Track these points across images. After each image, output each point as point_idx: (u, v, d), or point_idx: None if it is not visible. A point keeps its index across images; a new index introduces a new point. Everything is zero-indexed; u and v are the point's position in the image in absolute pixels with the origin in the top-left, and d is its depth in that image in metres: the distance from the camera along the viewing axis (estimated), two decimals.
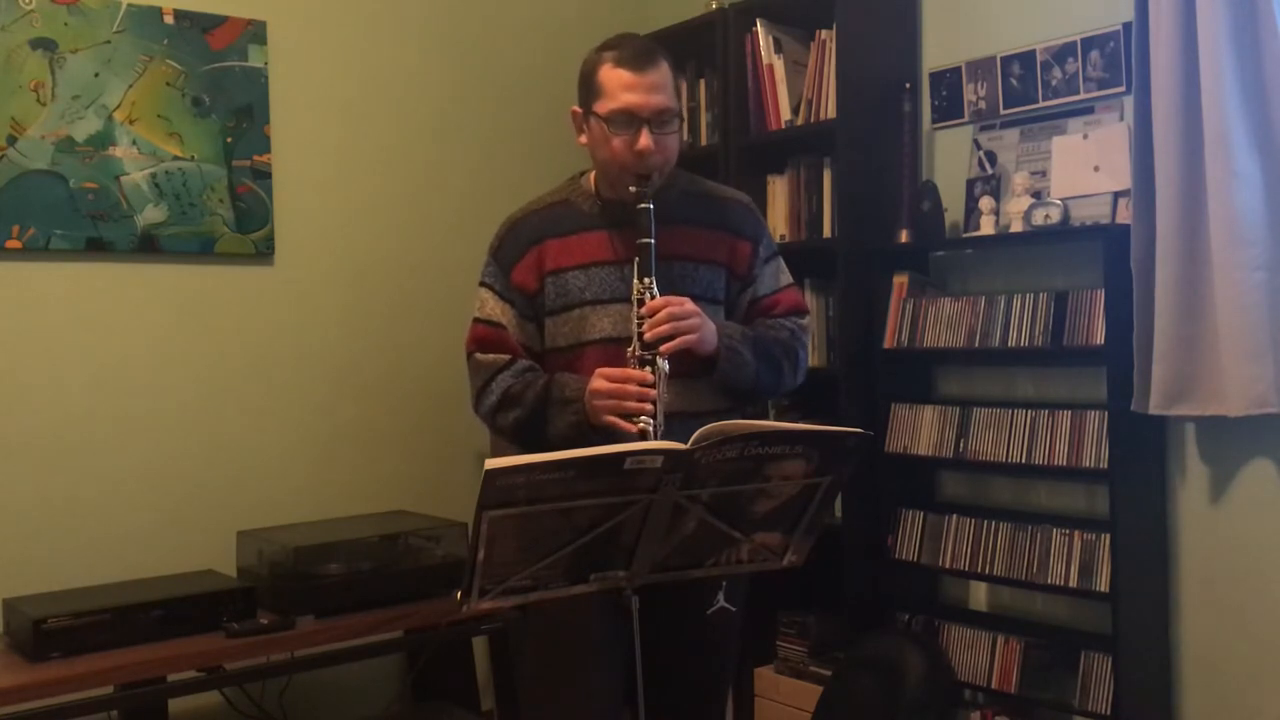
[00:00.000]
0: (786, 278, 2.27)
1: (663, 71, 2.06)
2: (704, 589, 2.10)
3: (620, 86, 2.03)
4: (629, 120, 2.03)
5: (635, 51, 2.06)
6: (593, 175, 2.20)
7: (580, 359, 2.10)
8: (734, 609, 2.17)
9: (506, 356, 2.14)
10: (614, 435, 1.92)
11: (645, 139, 2.02)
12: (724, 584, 2.13)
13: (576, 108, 2.14)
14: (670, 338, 1.96)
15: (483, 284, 2.20)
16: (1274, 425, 2.58)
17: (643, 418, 1.91)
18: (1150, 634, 2.77)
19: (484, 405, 2.16)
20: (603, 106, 2.05)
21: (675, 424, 1.94)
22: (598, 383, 1.98)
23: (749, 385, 2.13)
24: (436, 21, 3.66)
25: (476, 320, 2.19)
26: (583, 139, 2.15)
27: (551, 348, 2.15)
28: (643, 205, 2.02)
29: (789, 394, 2.96)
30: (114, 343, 3.07)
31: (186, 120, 3.16)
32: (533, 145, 3.77)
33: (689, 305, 2.00)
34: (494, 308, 2.16)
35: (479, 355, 2.17)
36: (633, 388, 1.94)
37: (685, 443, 1.58)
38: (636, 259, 2.01)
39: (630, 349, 1.98)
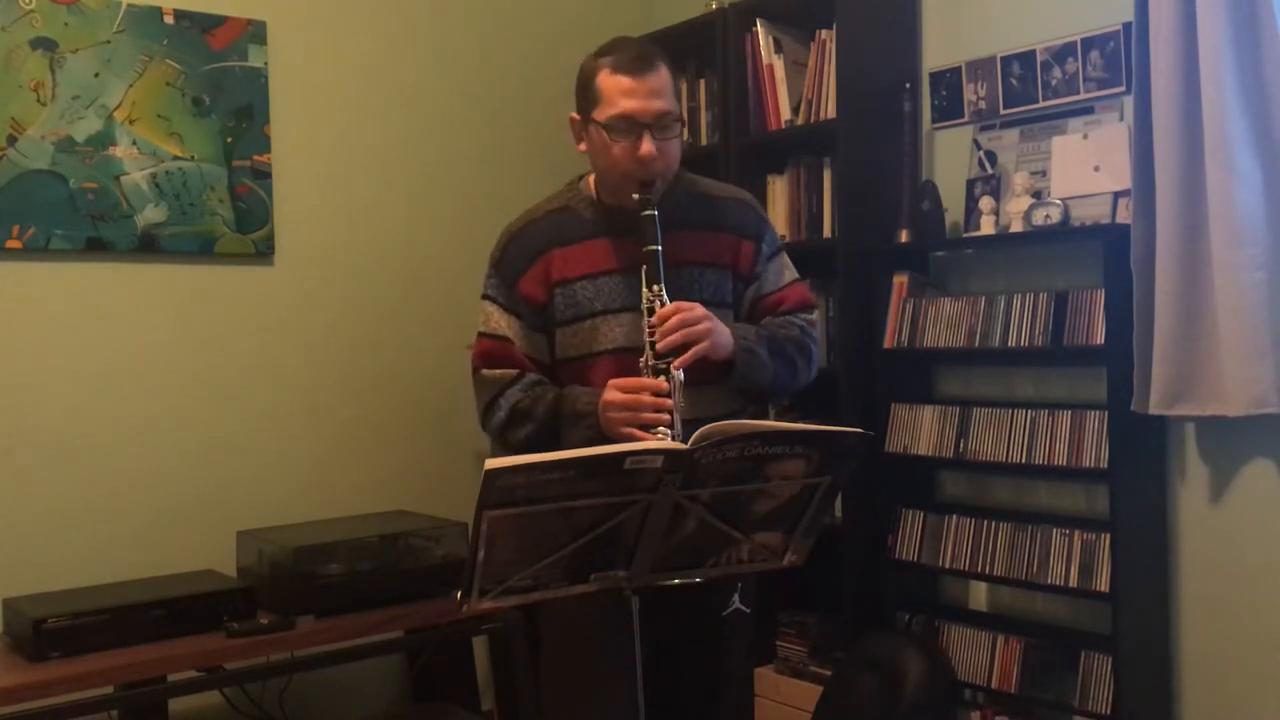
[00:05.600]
0: (791, 273, 2.22)
1: (662, 75, 2.02)
2: (719, 591, 2.09)
3: (620, 92, 1.99)
4: (630, 126, 1.99)
5: (634, 56, 2.02)
6: (591, 179, 2.16)
7: (592, 369, 2.06)
8: (748, 610, 2.16)
9: (514, 371, 2.09)
10: None
11: (648, 145, 1.98)
12: (739, 586, 2.11)
13: (575, 114, 2.10)
14: (683, 347, 1.92)
15: (486, 297, 2.15)
16: (1274, 425, 2.58)
17: (660, 428, 1.88)
18: (1150, 634, 2.76)
19: (492, 421, 2.10)
20: (602, 113, 2.01)
21: (689, 431, 1.91)
22: (612, 394, 1.94)
23: (767, 385, 2.09)
24: (436, 21, 3.66)
25: (481, 335, 2.14)
26: (582, 146, 2.10)
27: (562, 358, 2.11)
28: (647, 213, 1.98)
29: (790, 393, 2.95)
30: (114, 343, 3.07)
31: (186, 120, 3.16)
32: (532, 144, 3.76)
33: (699, 310, 1.96)
34: (499, 321, 2.12)
35: (485, 371, 2.11)
36: (648, 398, 1.90)
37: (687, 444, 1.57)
38: (644, 267, 1.97)
39: (643, 359, 1.94)
